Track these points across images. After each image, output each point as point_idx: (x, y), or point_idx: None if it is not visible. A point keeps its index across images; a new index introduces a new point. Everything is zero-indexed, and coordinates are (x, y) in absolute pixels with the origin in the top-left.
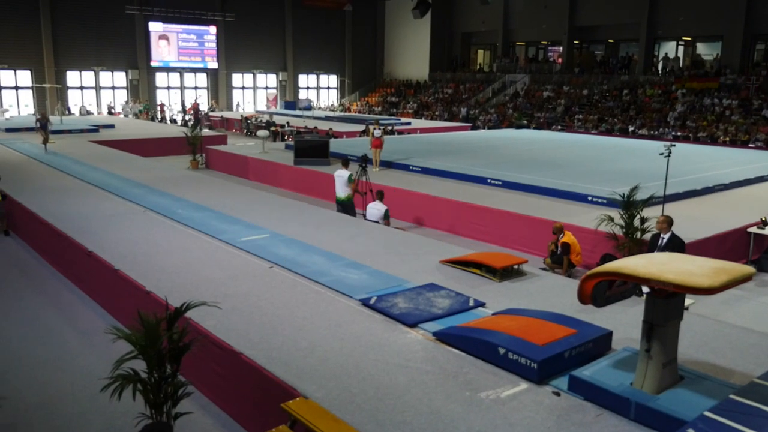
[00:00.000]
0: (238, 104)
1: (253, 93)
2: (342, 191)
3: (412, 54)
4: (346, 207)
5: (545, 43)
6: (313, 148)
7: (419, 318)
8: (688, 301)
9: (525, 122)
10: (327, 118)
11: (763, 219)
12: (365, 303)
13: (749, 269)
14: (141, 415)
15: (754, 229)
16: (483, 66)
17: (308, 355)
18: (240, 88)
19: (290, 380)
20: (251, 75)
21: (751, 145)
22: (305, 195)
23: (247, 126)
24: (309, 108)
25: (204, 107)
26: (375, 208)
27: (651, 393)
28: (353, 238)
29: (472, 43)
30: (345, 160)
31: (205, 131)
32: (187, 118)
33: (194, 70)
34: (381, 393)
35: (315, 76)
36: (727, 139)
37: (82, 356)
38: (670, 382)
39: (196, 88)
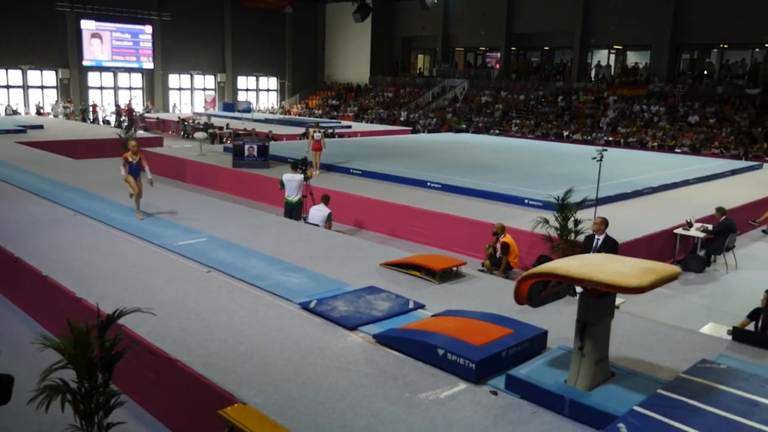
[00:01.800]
0: (174, 106)
1: (191, 94)
2: (293, 194)
3: (353, 57)
4: (295, 210)
5: (484, 49)
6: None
7: (359, 321)
8: (619, 300)
9: (464, 126)
10: (267, 121)
11: (689, 221)
12: (305, 307)
13: (675, 269)
14: (71, 427)
15: (680, 231)
16: (423, 70)
17: (247, 361)
18: (177, 89)
19: (228, 386)
20: (188, 76)
21: (677, 150)
22: (244, 198)
23: (185, 128)
24: (248, 110)
25: (139, 108)
26: (319, 211)
27: (584, 390)
28: (294, 241)
29: (412, 48)
30: (294, 164)
31: (140, 133)
32: (121, 119)
33: (129, 70)
34: (321, 397)
35: (254, 78)
36: (656, 144)
37: (8, 367)
38: (602, 378)
39: (130, 88)
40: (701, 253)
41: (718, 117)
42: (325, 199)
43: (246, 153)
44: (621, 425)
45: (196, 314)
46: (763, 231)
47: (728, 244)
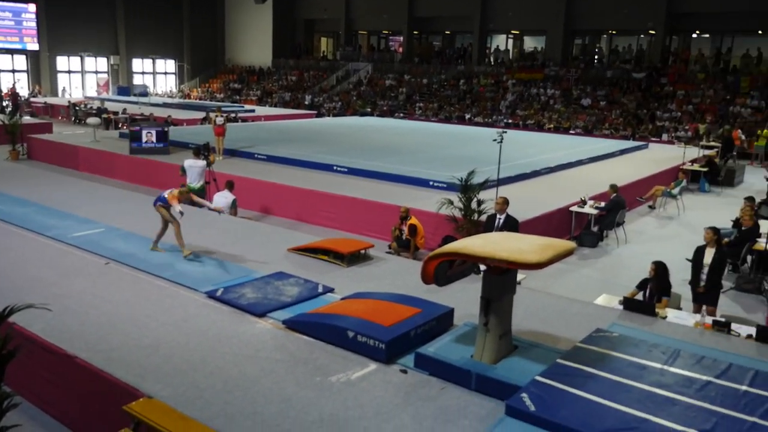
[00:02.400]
0: (64, 89)
1: (82, 77)
2: (196, 181)
3: (254, 40)
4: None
5: (387, 32)
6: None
7: (268, 307)
8: (520, 276)
9: (368, 110)
10: (165, 105)
11: (583, 198)
12: (211, 295)
13: (571, 244)
14: None
15: (575, 208)
16: (327, 54)
17: (152, 354)
18: (66, 72)
19: (132, 381)
20: (78, 58)
21: (572, 132)
22: (144, 186)
23: (76, 113)
24: (145, 94)
25: (24, 92)
26: (223, 197)
27: (489, 363)
28: (198, 229)
29: (315, 31)
30: (196, 149)
31: (26, 119)
32: (4, 104)
33: (11, 52)
34: (230, 386)
35: (151, 61)
36: (552, 126)
37: None
38: (505, 352)
39: (14, 71)
40: (595, 228)
41: (608, 100)
42: (230, 185)
43: (144, 139)
44: (524, 395)
45: (96, 308)
46: (650, 207)
47: (618, 220)
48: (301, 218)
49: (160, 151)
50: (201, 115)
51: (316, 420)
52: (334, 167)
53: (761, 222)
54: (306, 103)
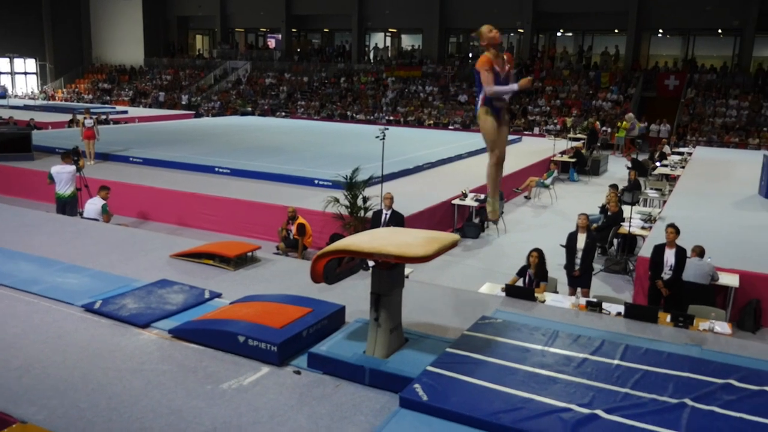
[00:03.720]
0: None
1: None
2: (66, 188)
3: (124, 37)
4: (69, 205)
5: (264, 30)
6: (11, 141)
7: (152, 317)
8: (408, 270)
9: (249, 109)
10: (27, 108)
11: (464, 192)
12: (89, 308)
13: (455, 236)
14: None
15: (457, 201)
16: (203, 52)
17: (23, 375)
18: None
19: (1, 406)
20: None
21: (450, 127)
22: (5, 195)
23: None
24: (3, 96)
25: None
26: (93, 204)
27: (382, 358)
28: (70, 239)
29: (189, 28)
30: (66, 154)
31: None
32: None
33: None
34: (114, 402)
35: (8, 60)
36: (432, 122)
37: None
38: (397, 345)
39: None
40: (476, 220)
41: None
42: (103, 191)
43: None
44: (417, 386)
45: None
46: (525, 197)
47: None
48: (183, 223)
49: (22, 158)
50: (68, 117)
51: (209, 429)
52: (216, 169)
53: (624, 207)
54: (183, 103)
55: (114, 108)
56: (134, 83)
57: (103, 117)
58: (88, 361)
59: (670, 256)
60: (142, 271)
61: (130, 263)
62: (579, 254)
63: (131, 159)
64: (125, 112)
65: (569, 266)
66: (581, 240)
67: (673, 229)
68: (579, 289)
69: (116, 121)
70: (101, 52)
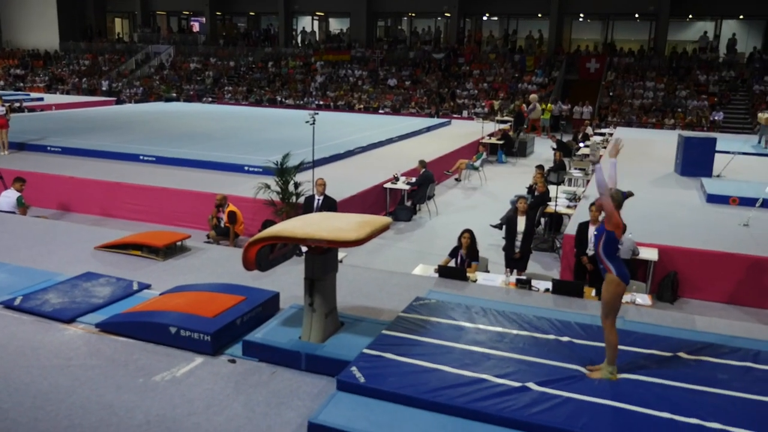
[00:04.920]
0: None
1: None
2: None
3: (37, 20)
4: None
5: (187, 13)
6: None
7: (77, 312)
8: (341, 254)
9: (174, 95)
10: None
11: (395, 175)
12: (8, 305)
13: (387, 220)
14: None
15: (389, 185)
16: (122, 36)
17: None
18: None
19: None
20: None
21: (380, 111)
22: None
23: None
24: None
25: None
26: (7, 197)
27: (317, 342)
28: None
29: (107, 11)
30: None
31: None
32: None
33: None
34: (40, 401)
35: None
36: (362, 106)
37: None
38: (332, 329)
39: None
40: (408, 203)
41: (413, 80)
42: (19, 182)
43: None
44: (353, 368)
45: None
46: (456, 179)
47: (429, 194)
48: (107, 213)
49: None
50: None
51: (143, 423)
52: (141, 157)
53: (551, 187)
54: (103, 89)
55: (28, 95)
56: (49, 69)
57: (17, 105)
58: (9, 359)
59: (593, 233)
60: (65, 264)
61: (51, 257)
62: (519, 237)
63: (49, 148)
64: (41, 99)
65: (509, 249)
66: (521, 223)
67: (596, 208)
68: (514, 270)
69: (31, 109)
70: (12, 36)
